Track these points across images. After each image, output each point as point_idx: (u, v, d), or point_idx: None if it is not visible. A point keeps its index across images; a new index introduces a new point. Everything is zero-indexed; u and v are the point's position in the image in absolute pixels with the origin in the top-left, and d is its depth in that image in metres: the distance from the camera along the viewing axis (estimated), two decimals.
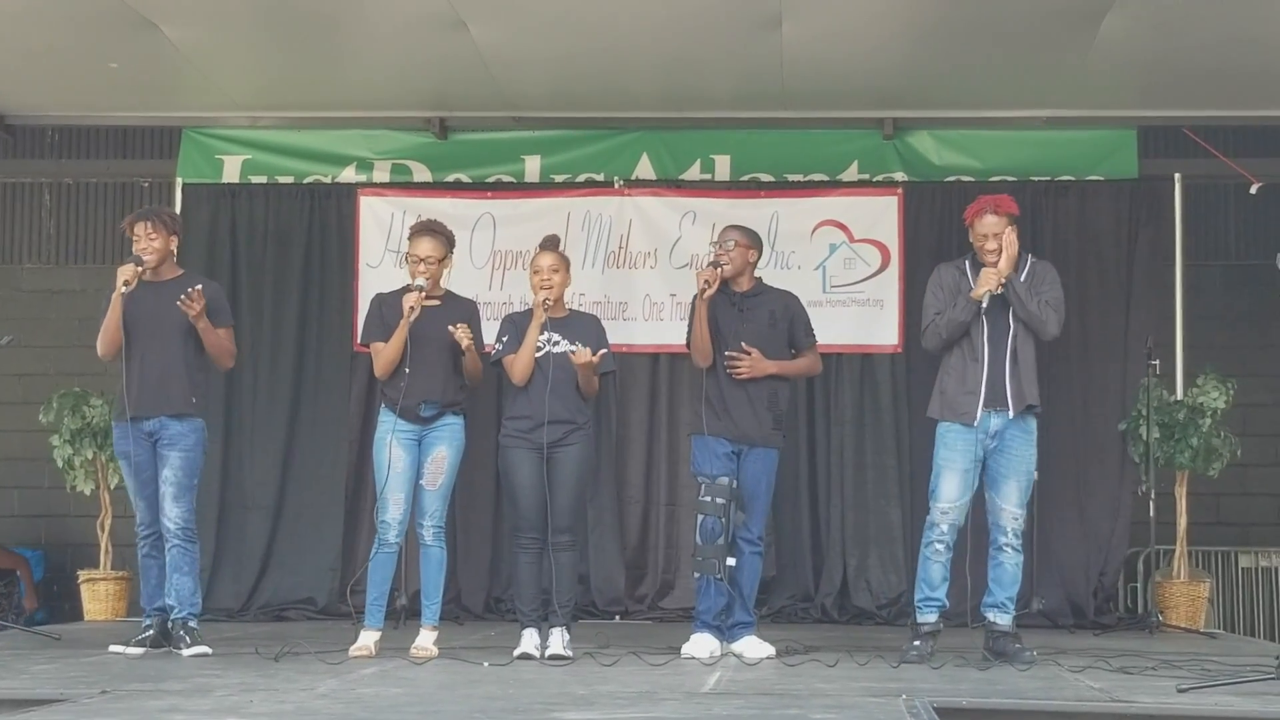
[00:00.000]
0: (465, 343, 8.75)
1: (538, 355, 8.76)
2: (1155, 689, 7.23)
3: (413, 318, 8.71)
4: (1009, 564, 8.67)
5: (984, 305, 8.60)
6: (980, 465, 8.68)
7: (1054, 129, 12.39)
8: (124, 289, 8.77)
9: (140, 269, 8.84)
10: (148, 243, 8.96)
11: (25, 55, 11.24)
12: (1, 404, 13.40)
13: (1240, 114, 12.02)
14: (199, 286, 8.83)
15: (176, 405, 8.91)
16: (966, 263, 8.88)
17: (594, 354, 8.69)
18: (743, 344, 8.96)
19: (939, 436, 8.78)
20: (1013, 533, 8.66)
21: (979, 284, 8.61)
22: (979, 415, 8.62)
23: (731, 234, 9.15)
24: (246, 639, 9.56)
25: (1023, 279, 8.68)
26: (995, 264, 8.61)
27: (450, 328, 8.77)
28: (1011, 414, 8.64)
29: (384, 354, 8.89)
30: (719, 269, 8.97)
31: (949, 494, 8.67)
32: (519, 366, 8.80)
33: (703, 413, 8.99)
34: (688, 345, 9.19)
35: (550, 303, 8.77)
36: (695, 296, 9.06)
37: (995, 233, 8.66)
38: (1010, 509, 8.66)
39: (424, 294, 8.77)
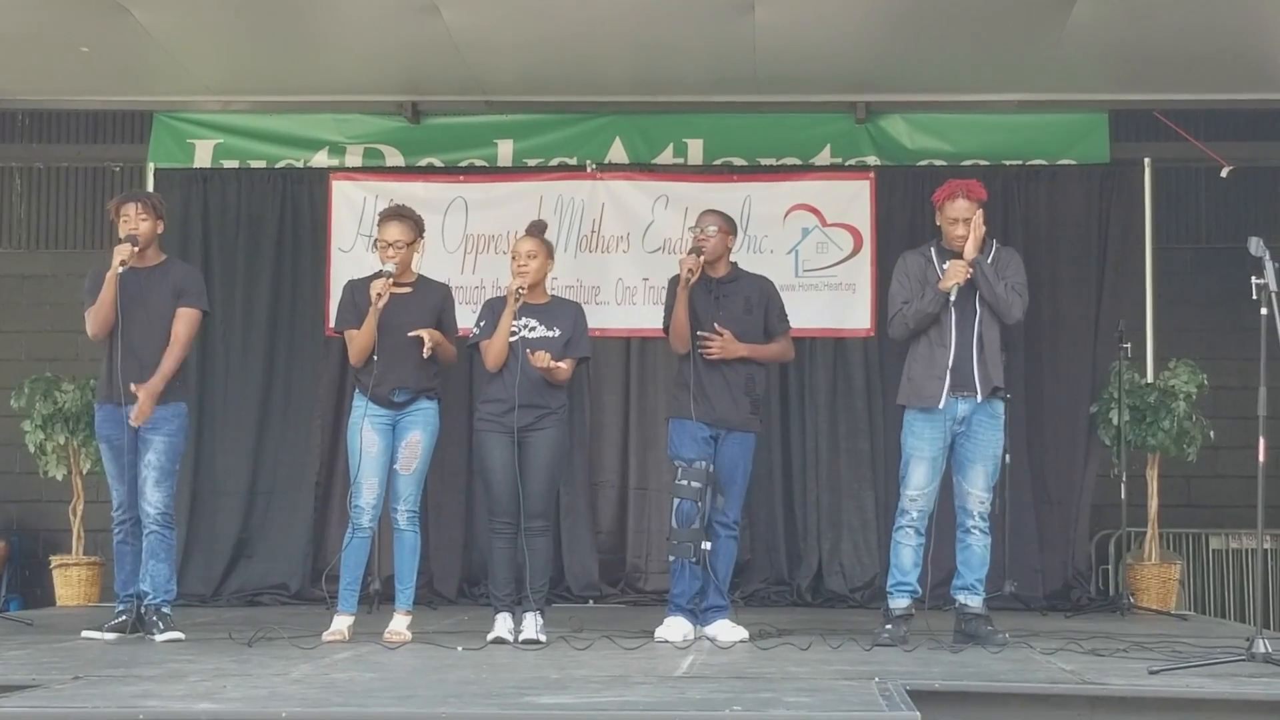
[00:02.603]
0: (428, 348, 8.76)
1: (512, 340, 8.75)
2: (1127, 671, 7.26)
3: (380, 305, 8.70)
4: (977, 546, 8.70)
5: (952, 297, 8.62)
6: (948, 451, 8.71)
7: (1026, 113, 12.42)
8: (120, 269, 8.74)
9: (136, 248, 8.81)
10: (138, 223, 8.93)
11: None
12: None
13: (1211, 98, 12.04)
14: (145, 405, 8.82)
15: (161, 390, 8.89)
16: (932, 249, 8.88)
17: (553, 358, 8.69)
18: (715, 325, 8.96)
19: (906, 424, 8.80)
20: (979, 515, 8.68)
21: (947, 276, 8.63)
22: (943, 399, 8.64)
23: (711, 219, 9.13)
24: (220, 624, 9.55)
25: (988, 263, 8.70)
26: (963, 248, 8.63)
27: (410, 334, 8.78)
28: (979, 398, 8.66)
29: (356, 342, 8.88)
30: (700, 256, 8.97)
31: (918, 481, 8.69)
32: (491, 353, 8.80)
33: (680, 396, 9.00)
34: (665, 330, 9.20)
35: (523, 290, 8.76)
36: (671, 280, 9.10)
37: (965, 217, 8.68)
38: (977, 493, 8.69)
39: (391, 281, 8.76)
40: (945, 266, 8.68)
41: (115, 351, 8.82)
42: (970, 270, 8.59)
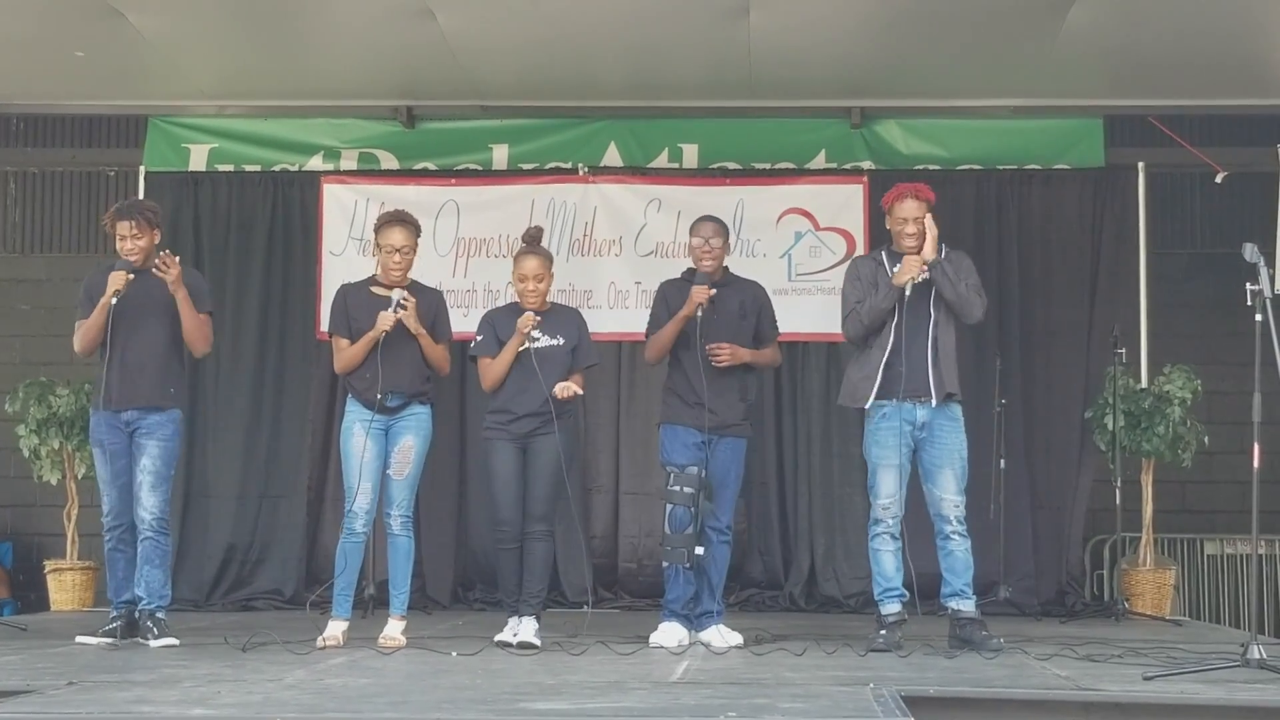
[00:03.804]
0: (408, 322, 8.75)
1: (519, 350, 8.77)
2: (1122, 677, 7.26)
3: (383, 331, 8.70)
4: (959, 551, 8.69)
5: (907, 292, 8.63)
6: (911, 454, 8.71)
7: (1021, 118, 12.43)
8: (114, 300, 8.75)
9: (131, 276, 8.81)
10: (133, 242, 8.91)
11: None
12: None
13: (1206, 103, 12.06)
14: (172, 256, 8.79)
15: (155, 396, 8.90)
16: (883, 254, 8.91)
17: (569, 387, 8.75)
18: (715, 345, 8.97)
19: (868, 434, 8.82)
20: (956, 519, 8.68)
21: (902, 271, 8.63)
22: (871, 399, 8.68)
23: (714, 229, 9.07)
24: (214, 630, 9.55)
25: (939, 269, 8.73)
26: (914, 249, 8.64)
27: (402, 309, 8.78)
28: (934, 403, 8.66)
29: (345, 355, 8.88)
30: (712, 290, 8.94)
31: (887, 489, 8.70)
32: (490, 377, 8.84)
33: (671, 402, 9.01)
34: (647, 334, 9.22)
35: (534, 336, 8.75)
36: (661, 288, 9.20)
37: (915, 217, 8.70)
38: (950, 498, 8.69)
39: (399, 312, 8.73)
40: (897, 268, 8.69)
41: (112, 359, 8.83)
42: (926, 264, 8.60)
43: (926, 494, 8.76)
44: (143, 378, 8.85)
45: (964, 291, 8.68)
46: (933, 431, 8.69)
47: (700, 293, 8.90)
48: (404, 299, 8.77)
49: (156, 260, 8.76)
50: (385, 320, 8.73)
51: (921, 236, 8.68)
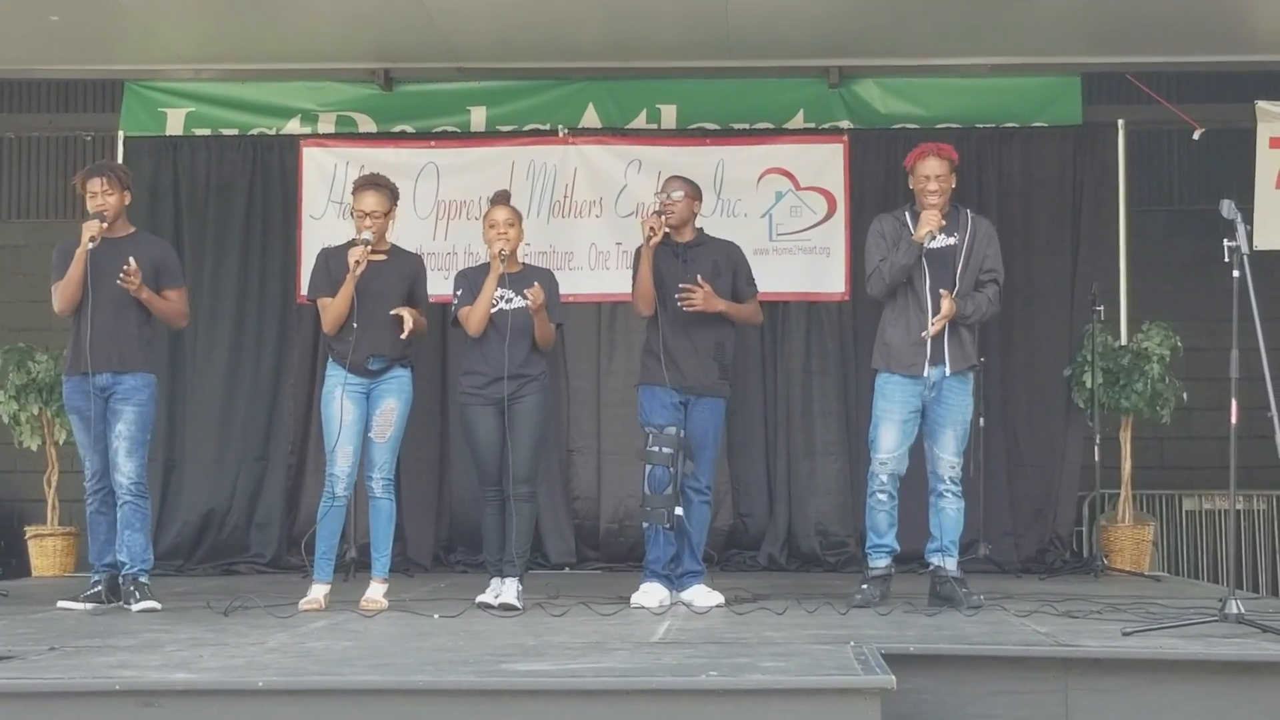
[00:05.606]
0: (408, 329, 8.76)
1: (492, 312, 8.77)
2: (1101, 632, 7.29)
3: (359, 272, 8.69)
4: (950, 509, 8.74)
5: (927, 244, 8.65)
6: (919, 415, 8.74)
7: (998, 76, 12.41)
8: (90, 245, 8.72)
9: (104, 224, 8.80)
10: (104, 198, 8.91)
11: None
12: None
13: (1183, 60, 12.03)
14: (132, 264, 8.74)
15: (129, 361, 8.87)
16: (906, 213, 8.92)
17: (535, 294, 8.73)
18: (698, 276, 8.94)
19: (878, 388, 8.83)
20: (950, 479, 8.74)
21: (920, 225, 8.66)
22: (926, 368, 8.68)
23: (677, 184, 9.14)
24: (196, 594, 9.55)
25: (966, 238, 8.74)
26: (936, 205, 8.66)
27: (392, 313, 8.79)
28: (949, 371, 8.69)
29: (331, 309, 8.86)
30: (663, 216, 8.97)
31: (888, 445, 8.73)
32: (474, 318, 8.81)
33: (649, 363, 9.01)
34: (633, 294, 9.21)
35: (506, 253, 8.77)
36: (638, 249, 9.09)
37: (939, 174, 8.72)
38: (948, 457, 8.74)
39: (369, 248, 8.75)
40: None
41: (84, 323, 8.80)
42: (943, 222, 8.63)
43: (926, 451, 8.82)
44: (115, 342, 8.83)
45: (983, 313, 8.81)
46: (942, 392, 8.72)
47: (650, 220, 8.95)
48: (368, 240, 8.78)
49: (120, 276, 8.71)
50: (356, 253, 8.73)
51: (943, 194, 8.72)
